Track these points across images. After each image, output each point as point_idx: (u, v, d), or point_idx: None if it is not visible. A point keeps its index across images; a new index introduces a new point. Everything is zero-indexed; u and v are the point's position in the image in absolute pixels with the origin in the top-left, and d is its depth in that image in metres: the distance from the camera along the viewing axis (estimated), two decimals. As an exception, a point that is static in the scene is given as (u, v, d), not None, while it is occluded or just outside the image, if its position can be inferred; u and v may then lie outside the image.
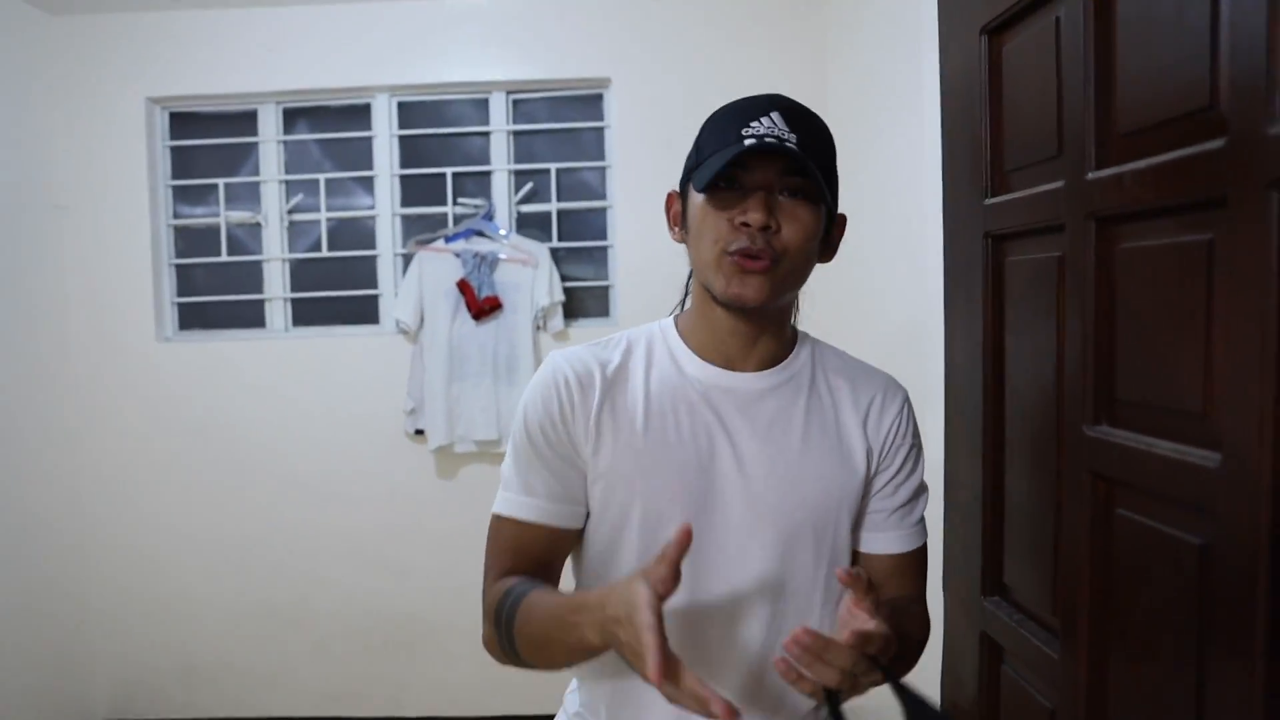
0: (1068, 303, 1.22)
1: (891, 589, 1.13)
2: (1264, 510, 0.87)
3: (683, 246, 1.09)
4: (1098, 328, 1.15)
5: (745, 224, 0.98)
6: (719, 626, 1.06)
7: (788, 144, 0.97)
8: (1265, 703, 0.87)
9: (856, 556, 1.14)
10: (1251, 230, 0.86)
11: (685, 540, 0.85)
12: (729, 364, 1.09)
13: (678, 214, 1.10)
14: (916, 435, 1.15)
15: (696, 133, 1.06)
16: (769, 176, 0.99)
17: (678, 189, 1.11)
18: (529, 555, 1.08)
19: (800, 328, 1.19)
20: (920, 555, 1.16)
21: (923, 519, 1.15)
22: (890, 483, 1.12)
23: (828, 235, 1.07)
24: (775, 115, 1.00)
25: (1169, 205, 1.01)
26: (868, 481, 1.10)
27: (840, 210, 1.08)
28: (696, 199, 1.03)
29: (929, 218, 1.85)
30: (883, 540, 1.12)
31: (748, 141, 0.97)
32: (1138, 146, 1.06)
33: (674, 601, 0.98)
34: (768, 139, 0.97)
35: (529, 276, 3.16)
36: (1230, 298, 0.91)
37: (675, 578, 0.84)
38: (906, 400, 1.15)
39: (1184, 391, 1.00)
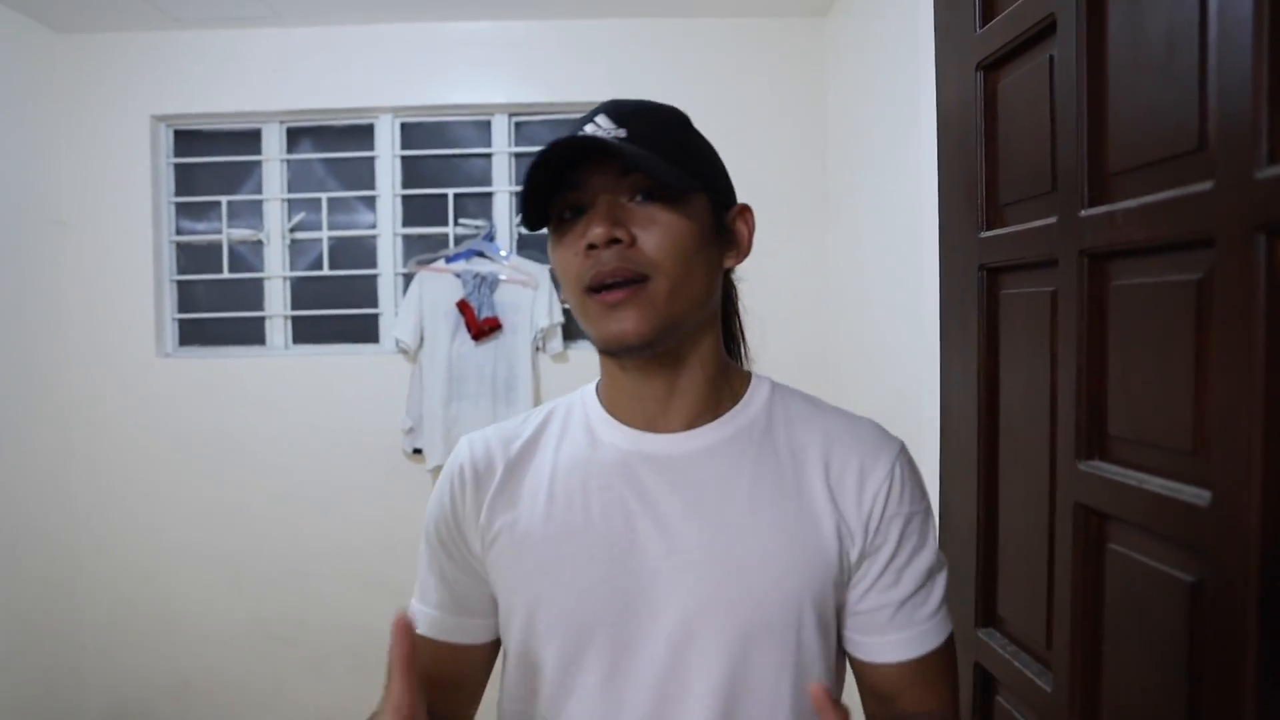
0: (1060, 337, 1.23)
1: (910, 702, 0.88)
2: (1253, 550, 0.87)
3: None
4: (1090, 363, 1.16)
5: (591, 246, 0.80)
6: None
7: (598, 136, 0.80)
8: (1253, 741, 0.88)
9: (857, 666, 0.91)
10: (1238, 271, 0.87)
11: (403, 632, 0.70)
12: (650, 424, 0.89)
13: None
14: (919, 498, 0.89)
15: None
16: (607, 183, 0.82)
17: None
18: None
19: (757, 370, 0.98)
20: (944, 654, 0.89)
21: (943, 606, 0.90)
22: (889, 567, 0.86)
23: (723, 231, 0.89)
24: (601, 118, 0.84)
25: (1159, 244, 1.02)
26: (846, 566, 0.86)
27: (747, 204, 0.92)
28: (550, 243, 0.87)
29: (927, 249, 1.86)
30: (891, 645, 0.87)
31: (541, 152, 0.81)
32: (1129, 185, 1.08)
33: None
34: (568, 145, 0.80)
35: (529, 298, 3.17)
36: (1218, 337, 0.92)
37: (411, 694, 0.69)
38: (900, 456, 0.89)
39: (1174, 429, 1.00)
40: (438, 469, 3.18)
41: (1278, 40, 0.83)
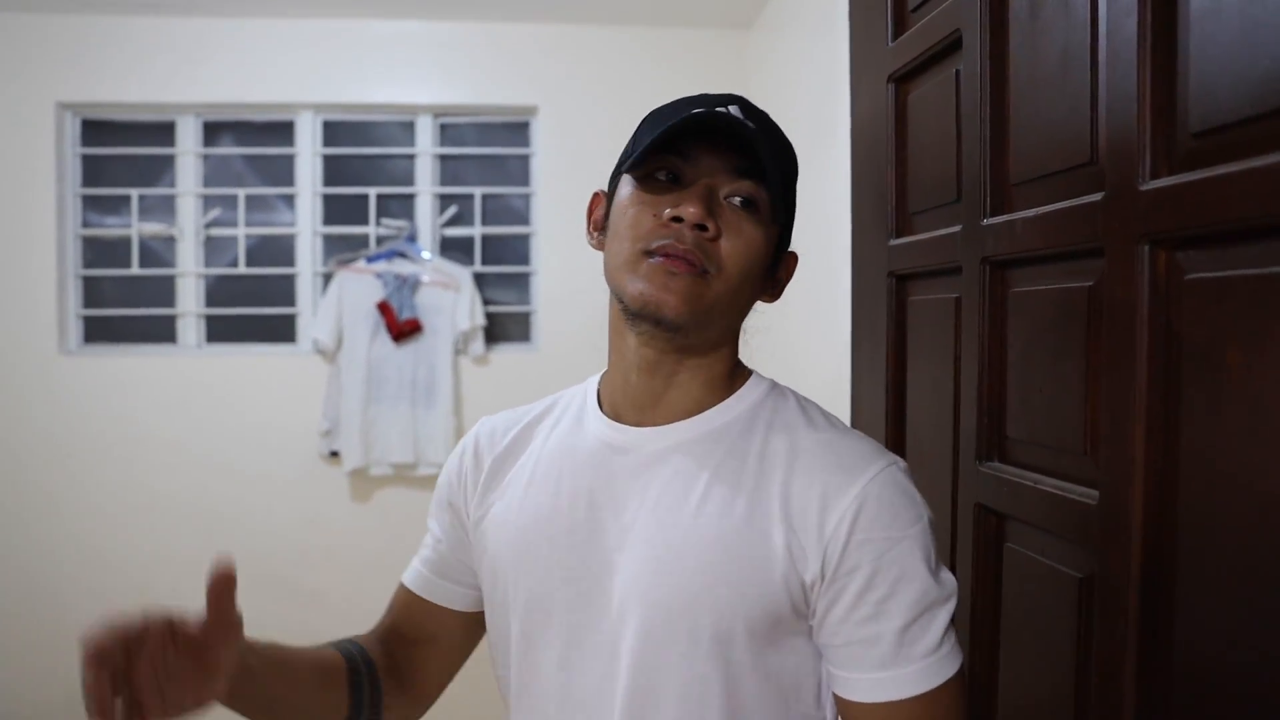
0: (963, 343, 1.27)
1: None
2: (1135, 546, 0.91)
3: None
4: (990, 368, 1.20)
5: (676, 219, 0.80)
6: None
7: (746, 124, 0.82)
8: (1134, 728, 0.92)
9: (841, 705, 0.83)
10: (1124, 280, 0.92)
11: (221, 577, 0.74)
12: (638, 416, 0.89)
13: (600, 217, 0.92)
14: (905, 523, 0.80)
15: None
16: (716, 172, 0.83)
17: (605, 189, 0.93)
18: (390, 611, 1.03)
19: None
20: (942, 697, 0.79)
21: (944, 643, 0.80)
22: (865, 598, 0.79)
23: (774, 269, 0.91)
24: (734, 108, 0.85)
25: (1054, 253, 1.06)
26: (797, 589, 0.80)
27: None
28: (625, 190, 0.86)
29: (841, 257, 1.90)
30: (871, 685, 0.79)
31: (695, 111, 0.82)
32: (1028, 196, 1.12)
33: (549, 710, 0.88)
34: (721, 117, 0.82)
35: (450, 300, 3.15)
36: (1107, 343, 0.96)
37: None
38: (874, 482, 0.80)
39: (1067, 431, 1.04)
40: (355, 472, 3.13)
41: (1160, 60, 0.87)
